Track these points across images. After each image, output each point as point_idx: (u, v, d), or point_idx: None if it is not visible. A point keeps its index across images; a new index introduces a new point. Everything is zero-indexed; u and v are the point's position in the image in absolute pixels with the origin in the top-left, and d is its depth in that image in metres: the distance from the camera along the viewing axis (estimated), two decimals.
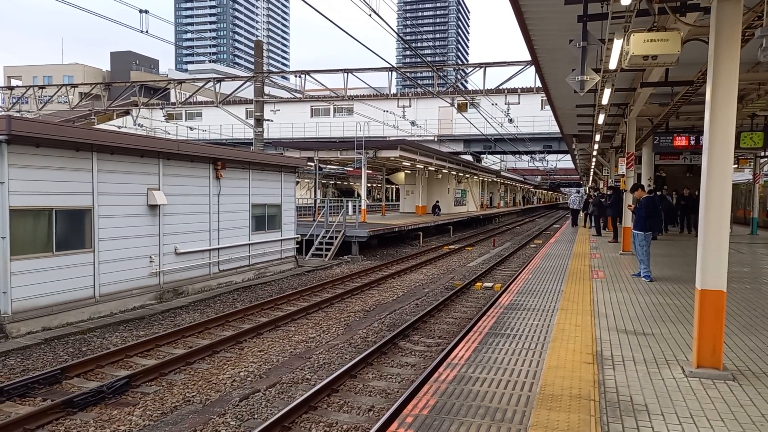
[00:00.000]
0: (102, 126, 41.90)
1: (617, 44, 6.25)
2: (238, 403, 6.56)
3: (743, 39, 5.76)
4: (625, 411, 4.13)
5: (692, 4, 5.35)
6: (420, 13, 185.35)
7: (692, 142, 13.37)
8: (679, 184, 21.22)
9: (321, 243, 20.40)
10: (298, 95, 37.80)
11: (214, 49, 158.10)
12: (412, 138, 38.61)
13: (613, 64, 6.87)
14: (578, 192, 30.54)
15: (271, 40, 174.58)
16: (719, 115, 4.64)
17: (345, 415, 6.22)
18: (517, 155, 52.01)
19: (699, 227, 4.87)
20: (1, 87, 47.52)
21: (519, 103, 33.27)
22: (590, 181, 45.65)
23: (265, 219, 16.57)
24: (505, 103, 29.93)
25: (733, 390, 4.55)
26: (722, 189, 4.69)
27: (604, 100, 10.23)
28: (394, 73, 30.49)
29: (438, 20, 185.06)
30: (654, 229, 10.54)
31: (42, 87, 38.60)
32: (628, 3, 5.26)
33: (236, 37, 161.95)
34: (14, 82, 60.28)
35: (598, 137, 17.93)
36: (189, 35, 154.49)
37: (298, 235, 18.71)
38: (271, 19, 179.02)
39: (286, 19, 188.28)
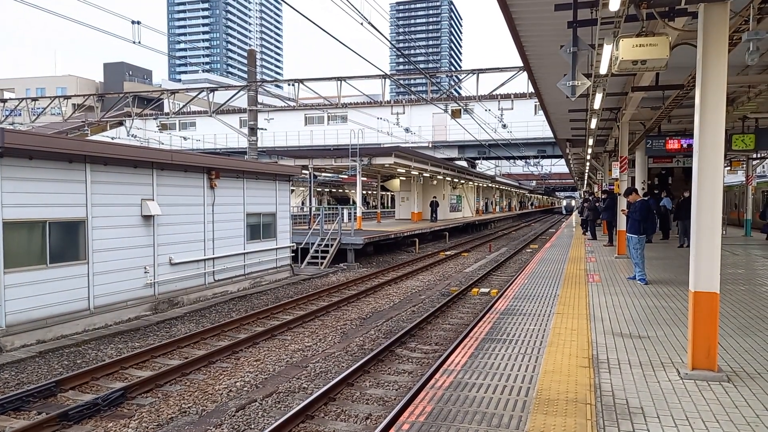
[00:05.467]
0: (95, 137, 41.86)
1: (607, 49, 6.29)
2: (234, 413, 6.52)
3: (731, 43, 5.82)
4: (621, 414, 4.14)
5: (680, 9, 5.39)
6: (412, 21, 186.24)
7: (684, 145, 13.44)
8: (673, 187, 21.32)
9: (317, 251, 20.38)
10: (292, 104, 37.87)
11: (207, 59, 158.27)
12: (407, 145, 38.69)
13: (603, 69, 6.92)
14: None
15: (264, 49, 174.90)
16: (709, 118, 4.68)
17: (342, 424, 6.19)
18: (512, 160, 52.15)
19: (691, 229, 4.90)
20: None
21: (512, 109, 33.39)
22: (585, 185, 45.81)
23: (260, 228, 16.55)
24: (499, 109, 30.06)
25: (728, 391, 4.57)
26: (713, 191, 4.72)
27: (596, 105, 10.30)
28: (388, 81, 30.59)
29: (431, 27, 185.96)
30: (648, 232, 10.60)
31: (35, 99, 38.52)
32: (616, 8, 5.30)
33: (229, 46, 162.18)
34: (7, 95, 60.12)
35: (591, 141, 18.03)
36: (182, 45, 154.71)
37: (294, 244, 18.69)
38: (264, 28, 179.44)
39: (279, 28, 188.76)
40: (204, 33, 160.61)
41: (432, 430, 3.93)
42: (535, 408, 4.28)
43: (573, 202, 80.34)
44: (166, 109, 43.60)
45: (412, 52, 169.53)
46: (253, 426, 6.20)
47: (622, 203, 13.27)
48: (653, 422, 3.99)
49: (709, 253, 4.74)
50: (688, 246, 15.35)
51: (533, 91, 13.27)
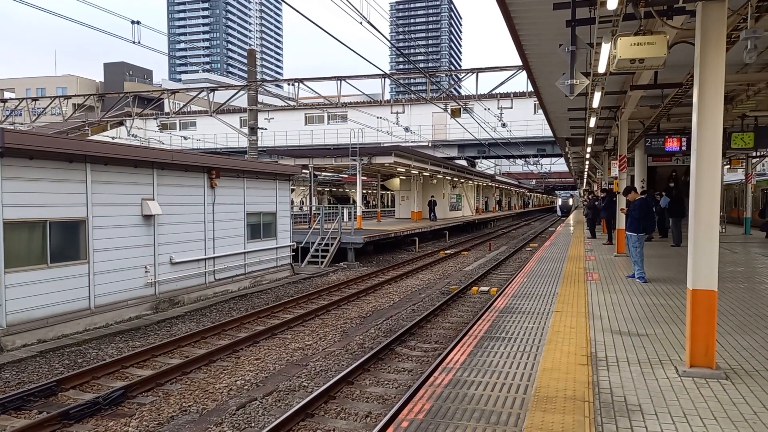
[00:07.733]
0: (96, 137, 41.86)
1: (605, 48, 6.30)
2: (234, 411, 6.55)
3: (729, 41, 5.84)
4: (619, 411, 4.16)
5: (678, 8, 5.41)
6: (412, 20, 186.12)
7: (683, 144, 13.45)
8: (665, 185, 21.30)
9: (317, 250, 20.40)
10: (292, 103, 37.88)
11: (207, 59, 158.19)
12: (407, 144, 38.71)
13: (601, 68, 6.94)
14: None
15: (264, 49, 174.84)
16: (707, 116, 4.70)
17: (342, 422, 6.22)
18: (511, 159, 52.15)
19: (689, 227, 4.92)
20: None
21: (512, 108, 33.36)
22: (584, 184, 45.80)
23: (260, 227, 16.57)
24: (498, 108, 30.03)
25: (726, 389, 4.59)
26: (711, 189, 4.74)
27: (595, 104, 10.31)
28: (388, 80, 30.60)
29: (430, 26, 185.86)
30: (648, 230, 10.61)
31: (35, 99, 38.52)
32: (614, 7, 5.32)
33: (229, 46, 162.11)
34: (7, 95, 60.12)
35: (590, 140, 18.05)
36: (182, 45, 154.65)
37: (294, 243, 18.71)
38: (264, 28, 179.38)
39: (279, 28, 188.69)
40: (204, 33, 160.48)
41: (431, 428, 3.95)
42: (533, 405, 4.30)
43: (570, 201, 76.19)
44: (166, 109, 43.61)
45: (412, 51, 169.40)
46: (253, 424, 6.22)
47: (622, 202, 13.29)
48: (651, 419, 4.01)
49: (708, 251, 4.76)
50: (679, 245, 15.44)
51: (532, 90, 13.29)
